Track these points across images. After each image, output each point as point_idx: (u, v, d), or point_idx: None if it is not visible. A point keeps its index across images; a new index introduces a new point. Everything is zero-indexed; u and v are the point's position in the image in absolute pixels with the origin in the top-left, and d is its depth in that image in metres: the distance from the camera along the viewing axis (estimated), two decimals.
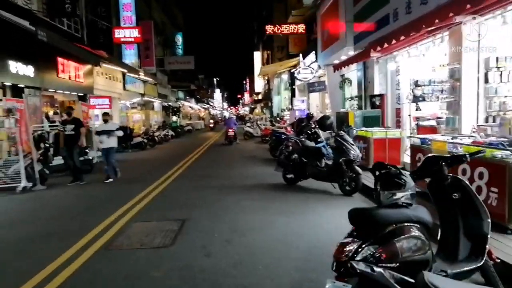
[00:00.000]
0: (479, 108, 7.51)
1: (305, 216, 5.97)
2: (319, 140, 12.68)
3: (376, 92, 12.14)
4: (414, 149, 6.42)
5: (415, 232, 2.71)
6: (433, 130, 9.31)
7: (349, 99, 13.28)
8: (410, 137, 6.60)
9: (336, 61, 15.97)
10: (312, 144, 8.39)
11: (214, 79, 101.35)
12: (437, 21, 6.32)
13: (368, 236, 2.68)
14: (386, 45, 8.51)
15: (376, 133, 8.98)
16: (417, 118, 9.91)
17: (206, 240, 5.03)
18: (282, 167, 8.55)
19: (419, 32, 7.20)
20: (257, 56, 53.25)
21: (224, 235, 5.22)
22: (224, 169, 11.29)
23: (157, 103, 36.29)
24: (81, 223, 6.10)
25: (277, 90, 38.13)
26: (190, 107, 56.16)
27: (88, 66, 18.70)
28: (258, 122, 25.61)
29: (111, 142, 9.99)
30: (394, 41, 8.05)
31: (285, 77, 31.58)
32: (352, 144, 7.39)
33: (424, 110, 10.11)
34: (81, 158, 11.42)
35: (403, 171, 2.91)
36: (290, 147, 11.36)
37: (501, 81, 7.48)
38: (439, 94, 11.14)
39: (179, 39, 43.09)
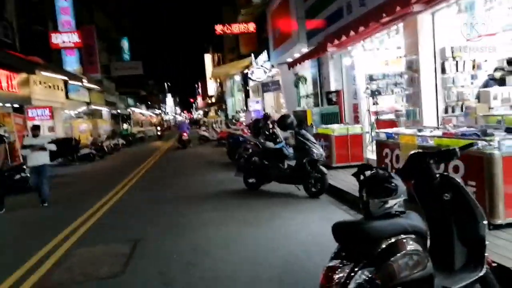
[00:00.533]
0: (438, 98, 7.43)
1: (273, 225, 5.46)
2: (278, 140, 12.29)
3: (332, 88, 11.96)
4: (381, 144, 6.12)
5: (411, 245, 2.28)
6: (392, 124, 9.19)
7: (305, 97, 13.03)
8: (376, 132, 6.32)
9: (289, 59, 15.73)
10: (272, 145, 7.93)
11: (165, 84, 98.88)
12: (398, 8, 6.07)
13: (360, 256, 2.20)
14: (344, 37, 8.25)
15: (337, 130, 8.69)
16: (376, 113, 9.78)
17: (163, 264, 4.37)
18: (243, 171, 8.01)
19: (378, 21, 6.95)
20: (208, 58, 52.41)
21: (184, 256, 4.58)
22: (180, 178, 10.55)
23: (105, 111, 34.45)
24: (11, 256, 5.19)
25: (231, 92, 37.60)
26: (141, 113, 54.19)
27: (23, 75, 17.11)
28: (213, 125, 24.91)
29: (41, 158, 8.37)
30: (352, 33, 7.79)
31: (238, 78, 31.13)
32: (314, 143, 7.01)
33: (381, 104, 10.01)
34: (17, 176, 10.20)
35: (392, 173, 2.47)
36: (250, 150, 10.88)
37: (457, 71, 7.44)
38: (394, 87, 11.20)
39: (125, 44, 41.38)
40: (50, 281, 4.22)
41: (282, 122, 7.40)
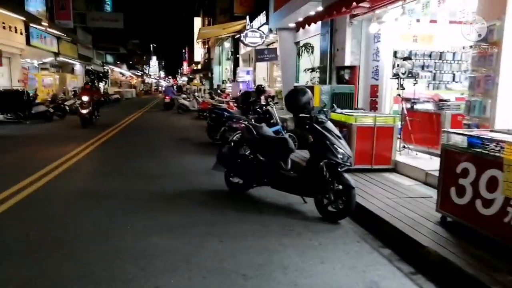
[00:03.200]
0: None
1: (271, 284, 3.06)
2: (271, 121, 9.81)
3: (347, 62, 9.45)
4: (454, 154, 3.73)
5: None
6: (434, 117, 6.83)
7: (309, 70, 10.51)
8: (445, 132, 3.90)
9: (292, 25, 13.06)
10: (270, 132, 5.43)
11: (151, 45, 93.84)
12: None
13: None
14: None
15: (362, 118, 6.24)
16: (407, 100, 7.37)
17: None
18: (224, 165, 5.52)
19: None
20: (198, 22, 48.67)
21: None
22: (137, 161, 7.98)
23: (78, 66, 30.97)
24: None
25: (218, 60, 34.55)
26: (120, 73, 50.40)
27: None
28: (196, 94, 22.10)
29: None
30: None
31: (228, 45, 28.13)
32: (339, 138, 4.54)
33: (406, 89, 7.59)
34: None
35: None
36: (236, 132, 8.37)
37: None
38: (419, 70, 8.86)
39: None
40: None
41: (294, 99, 4.74)
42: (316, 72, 10.70)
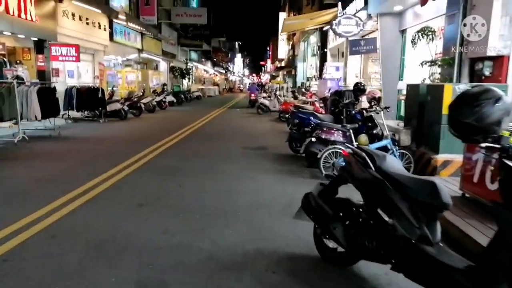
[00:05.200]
0: None
1: None
2: (374, 132, 7.36)
3: (490, 52, 6.61)
4: None
5: None
6: None
7: (428, 63, 7.80)
8: None
9: (397, 8, 10.40)
10: (402, 168, 3.00)
11: (236, 43, 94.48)
12: None
13: None
14: None
15: None
16: None
17: None
18: (313, 218, 3.29)
19: None
20: (283, 17, 46.80)
21: None
22: (196, 179, 6.11)
23: (162, 63, 31.03)
24: None
25: (303, 56, 32.28)
26: (205, 70, 50.65)
27: (48, 2, 13.63)
28: (277, 93, 20.11)
29: None
30: None
31: (314, 39, 25.73)
32: None
33: None
34: None
35: None
36: (330, 150, 6.18)
37: None
38: None
39: None
40: None
41: (476, 113, 2.23)
42: (435, 65, 7.94)
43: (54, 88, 10.69)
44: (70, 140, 9.80)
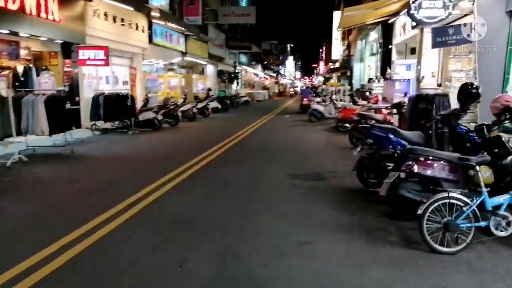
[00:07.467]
0: None
1: None
2: (503, 163, 4.48)
3: None
4: None
5: None
6: None
7: None
8: None
9: None
10: None
11: (288, 45, 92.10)
12: None
13: None
14: None
15: None
16: None
17: None
18: None
19: None
20: (337, 17, 43.72)
21: None
22: (213, 243, 3.89)
23: (209, 67, 29.43)
24: None
25: (360, 56, 29.17)
26: (254, 74, 48.76)
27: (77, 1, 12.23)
28: (333, 97, 17.43)
29: None
30: None
31: (375, 36, 22.71)
32: None
33: None
34: None
35: None
36: (442, 201, 3.65)
37: None
38: None
39: None
40: None
41: None
42: None
43: (64, 98, 9.02)
44: (80, 161, 7.99)
